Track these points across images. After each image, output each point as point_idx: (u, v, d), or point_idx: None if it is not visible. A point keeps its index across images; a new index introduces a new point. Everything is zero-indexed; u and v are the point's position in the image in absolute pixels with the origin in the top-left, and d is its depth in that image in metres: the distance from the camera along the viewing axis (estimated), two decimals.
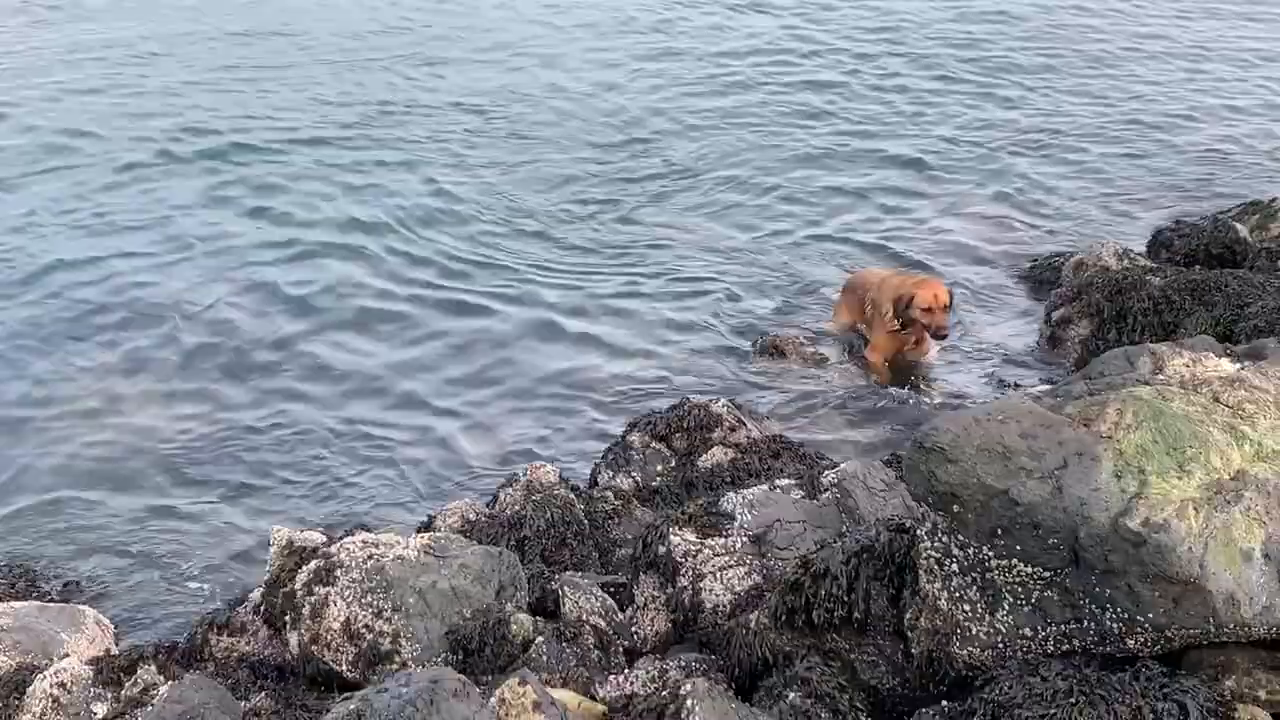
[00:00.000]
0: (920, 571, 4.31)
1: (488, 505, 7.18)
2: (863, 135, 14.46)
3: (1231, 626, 3.87)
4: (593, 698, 4.97)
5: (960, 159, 13.62)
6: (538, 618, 5.51)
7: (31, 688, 5.29)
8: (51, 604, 6.53)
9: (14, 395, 9.47)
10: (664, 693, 4.55)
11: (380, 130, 14.94)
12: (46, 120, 15.10)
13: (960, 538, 4.17)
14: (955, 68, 16.61)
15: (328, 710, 4.06)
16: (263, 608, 5.75)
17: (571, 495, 6.92)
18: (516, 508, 6.84)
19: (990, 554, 4.11)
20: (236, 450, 8.78)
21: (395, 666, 5.16)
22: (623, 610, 5.79)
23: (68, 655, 5.71)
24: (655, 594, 5.70)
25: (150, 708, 4.91)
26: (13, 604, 6.24)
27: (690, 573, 5.58)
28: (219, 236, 12.13)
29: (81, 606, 6.47)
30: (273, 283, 11.20)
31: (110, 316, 10.63)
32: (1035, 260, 11.04)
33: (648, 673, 5.11)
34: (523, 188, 13.30)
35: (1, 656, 5.66)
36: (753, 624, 4.96)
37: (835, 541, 4.95)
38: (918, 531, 4.34)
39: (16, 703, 5.23)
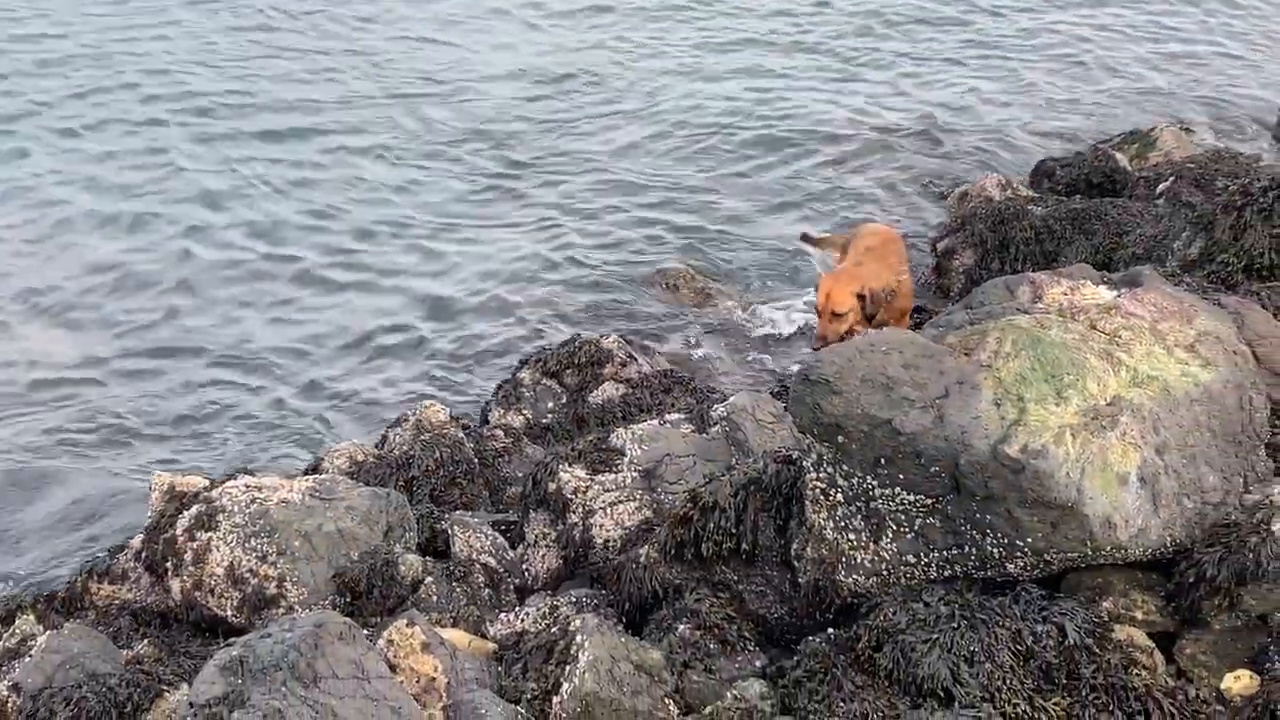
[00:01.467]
0: (806, 502, 4.34)
1: (376, 446, 7.10)
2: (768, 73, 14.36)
3: (1108, 549, 3.96)
4: (484, 636, 4.96)
5: (852, 94, 13.62)
6: (427, 558, 5.47)
7: None
8: None
9: None
10: (554, 629, 4.54)
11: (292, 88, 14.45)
12: None
13: (845, 468, 4.20)
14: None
15: (211, 657, 3.98)
16: (144, 554, 5.62)
17: (461, 434, 6.86)
18: (405, 448, 6.77)
19: (874, 483, 4.15)
20: (116, 397, 8.57)
21: (281, 611, 5.10)
22: (514, 548, 5.77)
23: None
24: (546, 531, 5.69)
25: (29, 659, 4.78)
26: None
27: (581, 509, 5.57)
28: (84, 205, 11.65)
29: None
30: (147, 232, 10.83)
31: None
32: (921, 191, 11.13)
33: (538, 610, 5.11)
34: (426, 118, 13.04)
35: None
36: (642, 558, 4.97)
37: (724, 474, 4.96)
38: (804, 463, 4.36)
39: None
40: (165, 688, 4.46)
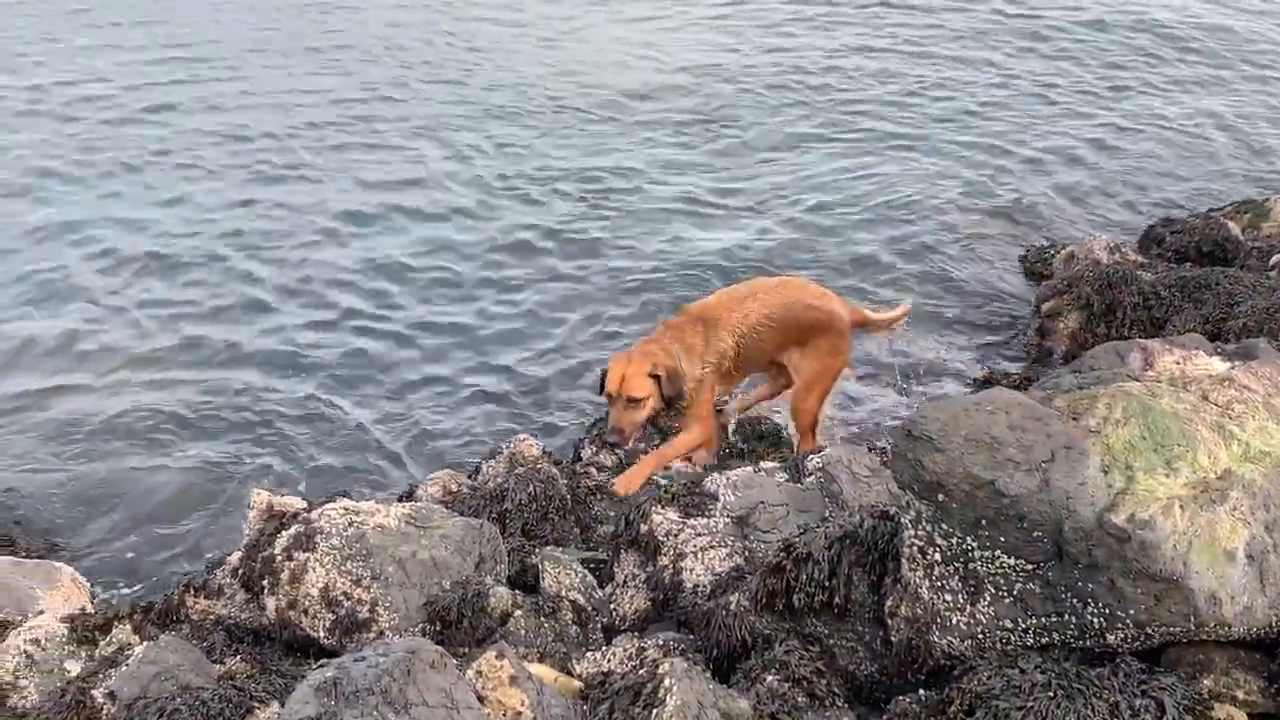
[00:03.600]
0: (903, 559, 4.29)
1: (470, 477, 7.16)
2: (854, 118, 14.33)
3: (1212, 625, 3.87)
4: (569, 673, 4.96)
5: (953, 148, 13.54)
6: (517, 591, 5.49)
7: (5, 643, 5.26)
8: (27, 559, 6.50)
9: None
10: (642, 671, 4.53)
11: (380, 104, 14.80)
12: None
13: (944, 527, 4.15)
14: (948, 56, 16.48)
15: (303, 676, 4.03)
16: (241, 571, 5.71)
17: (554, 469, 6.90)
18: (499, 480, 6.82)
19: (974, 544, 4.10)
20: (220, 415, 8.75)
21: (372, 635, 5.14)
22: (602, 587, 5.78)
23: (43, 612, 5.68)
24: (636, 572, 5.69)
25: (125, 668, 4.87)
26: None
27: (672, 552, 5.57)
28: (212, 211, 12.05)
29: (58, 563, 6.43)
30: (259, 261, 11.08)
31: (101, 281, 10.57)
32: (1027, 251, 11.03)
33: (625, 650, 5.10)
34: (513, 160, 13.21)
35: None
36: (733, 605, 4.94)
37: (818, 526, 4.92)
38: (901, 519, 4.32)
39: None
40: (256, 704, 4.51)
